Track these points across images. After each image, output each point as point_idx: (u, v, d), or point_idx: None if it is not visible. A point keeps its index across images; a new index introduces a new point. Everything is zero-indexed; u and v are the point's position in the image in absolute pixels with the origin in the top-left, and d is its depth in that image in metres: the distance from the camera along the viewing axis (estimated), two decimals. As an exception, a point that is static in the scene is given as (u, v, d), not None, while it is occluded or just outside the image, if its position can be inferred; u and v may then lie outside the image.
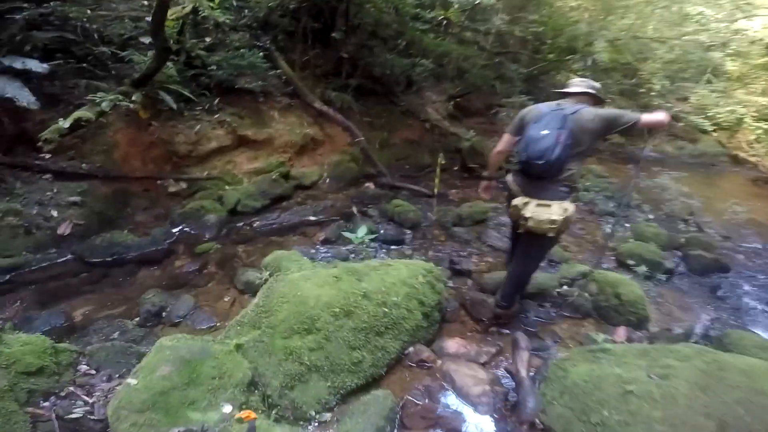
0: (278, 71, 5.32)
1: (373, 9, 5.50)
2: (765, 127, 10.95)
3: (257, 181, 4.86)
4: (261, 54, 4.95)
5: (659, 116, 2.25)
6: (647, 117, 2.24)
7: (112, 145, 4.10)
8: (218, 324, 2.68)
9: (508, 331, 2.74)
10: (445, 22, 6.28)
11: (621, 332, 2.78)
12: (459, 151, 6.70)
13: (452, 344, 2.55)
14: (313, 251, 3.57)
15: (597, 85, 2.49)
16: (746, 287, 3.89)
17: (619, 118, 2.23)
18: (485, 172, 2.77)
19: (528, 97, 6.69)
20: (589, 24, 6.99)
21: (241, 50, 4.79)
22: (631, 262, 3.70)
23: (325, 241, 3.71)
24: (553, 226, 2.19)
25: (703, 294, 3.64)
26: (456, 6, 5.83)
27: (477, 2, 5.46)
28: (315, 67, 6.02)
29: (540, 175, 2.21)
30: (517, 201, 2.30)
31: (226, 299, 3.01)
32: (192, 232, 3.94)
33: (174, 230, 3.89)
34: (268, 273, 3.00)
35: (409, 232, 4.07)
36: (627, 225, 4.95)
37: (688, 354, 1.91)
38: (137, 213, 4.06)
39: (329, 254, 3.48)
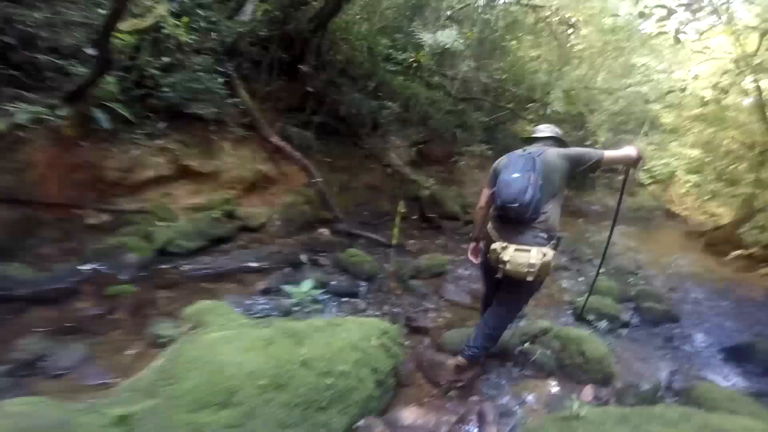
0: (236, 100, 4.99)
1: (346, 46, 5.48)
2: (694, 179, 11.43)
3: (196, 219, 4.37)
4: (221, 80, 4.64)
5: (624, 151, 2.32)
6: (610, 153, 2.32)
7: (26, 164, 3.51)
8: (112, 381, 2.16)
9: (470, 397, 2.43)
10: (415, 65, 6.37)
11: (588, 391, 2.59)
12: (418, 199, 6.59)
13: (408, 414, 2.20)
14: (248, 302, 3.10)
15: (560, 130, 2.60)
16: (696, 335, 3.96)
17: (584, 155, 2.31)
18: (472, 234, 2.66)
19: (487, 147, 6.80)
20: (547, 74, 7.36)
21: (199, 74, 4.45)
22: (590, 317, 3.60)
23: (266, 292, 3.26)
24: (531, 270, 2.13)
25: (659, 344, 3.62)
26: (427, 49, 5.94)
27: (447, 46, 5.57)
28: (278, 99, 5.78)
29: (516, 218, 2.20)
30: (496, 245, 2.24)
31: (128, 352, 2.48)
32: (106, 271, 3.36)
33: (83, 268, 3.29)
34: (187, 326, 2.52)
35: (363, 284, 3.72)
36: (581, 279, 4.96)
37: (673, 418, 1.67)
38: (44, 245, 3.42)
39: (268, 307, 3.02)
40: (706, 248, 8.13)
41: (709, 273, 6.61)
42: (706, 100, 9.13)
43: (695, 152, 11.13)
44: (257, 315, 2.92)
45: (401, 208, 4.28)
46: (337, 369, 1.97)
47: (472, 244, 2.67)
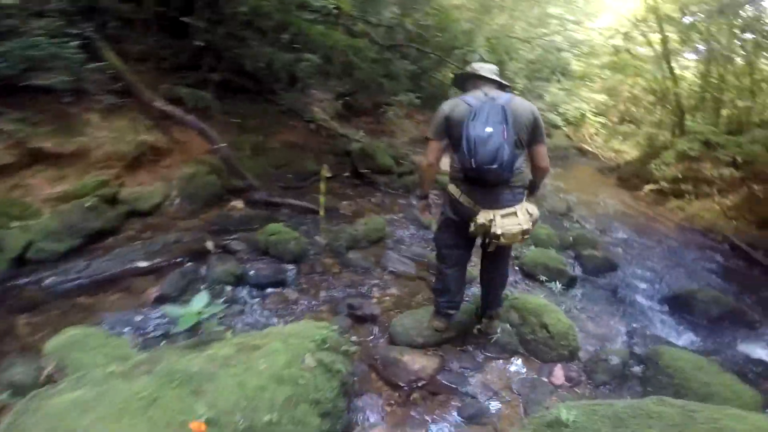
0: (101, 64, 3.86)
1: None
2: (602, 121, 12.89)
3: (64, 212, 3.36)
4: (73, 44, 3.52)
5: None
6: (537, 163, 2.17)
7: None
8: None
9: (436, 396, 2.10)
10: (335, 11, 5.46)
11: (558, 373, 2.38)
12: (349, 154, 5.95)
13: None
14: (138, 319, 2.37)
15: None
16: (637, 285, 4.03)
17: (542, 130, 2.10)
18: (418, 191, 2.39)
19: (415, 95, 6.32)
20: (469, 22, 6.95)
21: (39, 38, 3.31)
22: (543, 278, 3.43)
23: (160, 300, 2.51)
24: (526, 236, 2.04)
25: (607, 299, 3.59)
26: None
27: None
28: (161, 59, 4.63)
29: (495, 181, 1.96)
30: (482, 218, 2.00)
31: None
32: None
33: None
34: (48, 369, 1.83)
35: (291, 267, 3.10)
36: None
37: (674, 418, 1.40)
38: None
39: (165, 324, 2.30)
40: (619, 182, 8.84)
41: (628, 209, 7.03)
42: (616, 49, 9.81)
43: (602, 97, 12.51)
44: (150, 337, 2.22)
45: (325, 171, 3.63)
46: (261, 420, 1.43)
47: (422, 202, 2.34)
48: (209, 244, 3.08)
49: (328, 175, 3.39)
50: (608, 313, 3.31)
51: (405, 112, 7.57)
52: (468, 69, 2.19)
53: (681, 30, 8.23)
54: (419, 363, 2.20)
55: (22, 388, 1.81)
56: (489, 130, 1.84)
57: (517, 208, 2.01)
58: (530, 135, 2.04)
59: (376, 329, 2.53)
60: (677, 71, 8.77)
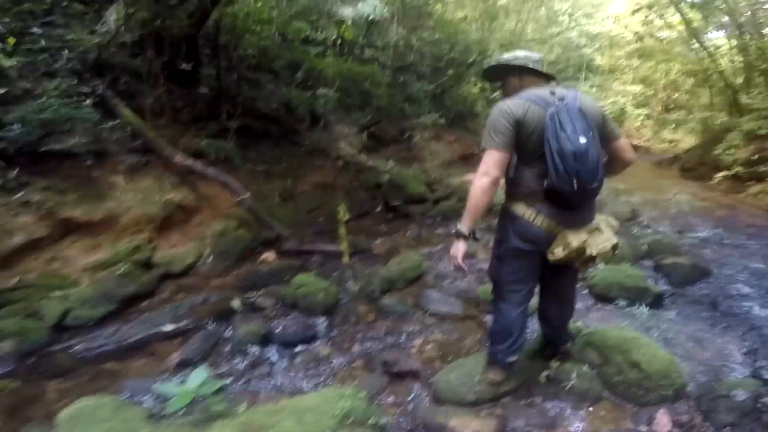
0: (117, 122, 3.92)
1: (254, 38, 4.53)
2: (644, 112, 12.13)
3: (99, 280, 3.37)
4: (88, 103, 3.60)
5: None
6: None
7: None
8: None
9: None
10: (339, 41, 5.49)
11: (663, 419, 1.84)
12: (379, 186, 5.75)
13: None
14: (159, 384, 2.16)
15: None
16: (739, 289, 3.31)
17: (610, 120, 1.83)
18: (460, 224, 1.76)
19: (438, 115, 6.10)
20: (479, 31, 6.77)
21: (51, 101, 3.40)
22: (621, 302, 2.86)
23: (182, 366, 2.30)
24: (616, 252, 1.84)
25: (707, 316, 2.91)
26: (349, 23, 5.07)
27: (370, 17, 4.72)
28: (176, 111, 4.72)
29: (589, 198, 1.70)
30: (574, 240, 1.69)
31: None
32: None
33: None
34: None
35: (322, 319, 2.81)
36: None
37: None
38: None
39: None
40: (682, 174, 8.02)
41: (704, 201, 6.16)
42: (639, 35, 9.46)
43: (637, 88, 11.92)
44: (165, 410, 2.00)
45: (342, 213, 3.37)
46: None
47: (462, 243, 1.76)
48: (235, 303, 2.88)
49: (346, 216, 3.11)
50: (714, 333, 2.67)
51: (432, 134, 7.35)
52: (509, 59, 1.81)
53: (699, 7, 7.60)
54: (471, 428, 1.76)
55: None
56: (583, 140, 1.53)
57: (599, 221, 1.78)
58: (605, 133, 1.76)
59: (416, 386, 2.13)
60: (712, 49, 8.06)
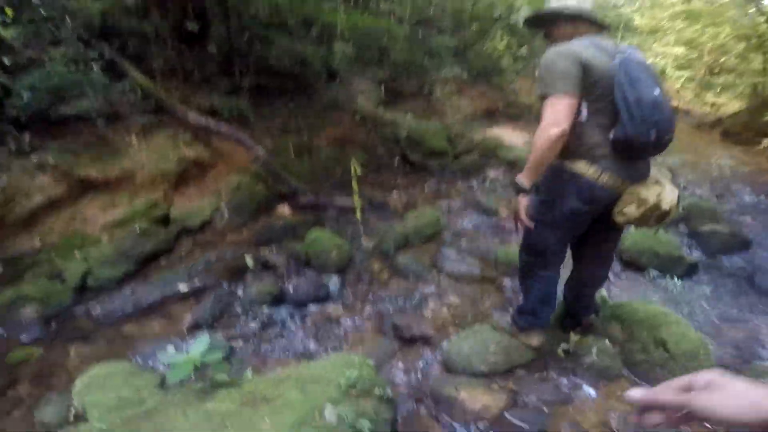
0: (128, 85, 3.87)
1: None
2: (686, 75, 11.54)
3: (118, 239, 3.42)
4: (96, 67, 3.57)
5: None
6: None
7: None
8: None
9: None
10: None
11: None
12: (398, 141, 5.50)
13: None
14: (176, 348, 2.20)
15: None
16: None
17: None
18: (521, 178, 1.63)
19: (460, 70, 5.67)
20: None
21: (58, 67, 3.38)
22: (653, 272, 2.66)
23: (195, 327, 2.33)
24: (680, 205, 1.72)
25: (743, 291, 2.68)
26: None
27: None
28: (187, 72, 4.57)
29: (662, 150, 1.54)
30: (651, 195, 1.53)
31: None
32: (4, 335, 2.55)
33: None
34: (75, 409, 1.79)
35: (335, 277, 2.76)
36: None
37: None
38: None
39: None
40: (725, 138, 7.46)
41: (748, 167, 5.62)
42: None
43: (680, 50, 11.37)
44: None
45: (356, 167, 3.19)
46: None
47: (524, 200, 1.64)
48: (248, 259, 2.86)
49: (358, 171, 2.95)
50: (749, 311, 2.47)
51: (454, 88, 6.89)
52: (560, 8, 1.65)
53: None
54: (481, 401, 1.71)
55: (52, 427, 1.83)
56: (658, 91, 1.42)
57: (655, 174, 1.62)
58: None
59: (428, 353, 2.08)
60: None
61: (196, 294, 2.67)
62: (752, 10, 7.65)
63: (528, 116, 7.14)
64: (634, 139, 1.42)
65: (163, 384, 1.80)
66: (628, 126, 1.41)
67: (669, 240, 2.89)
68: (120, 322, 2.61)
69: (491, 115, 7.38)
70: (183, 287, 2.72)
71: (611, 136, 1.48)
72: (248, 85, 4.73)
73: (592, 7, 1.67)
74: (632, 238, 2.88)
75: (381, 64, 6.22)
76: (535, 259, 1.80)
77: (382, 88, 6.25)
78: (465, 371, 1.87)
